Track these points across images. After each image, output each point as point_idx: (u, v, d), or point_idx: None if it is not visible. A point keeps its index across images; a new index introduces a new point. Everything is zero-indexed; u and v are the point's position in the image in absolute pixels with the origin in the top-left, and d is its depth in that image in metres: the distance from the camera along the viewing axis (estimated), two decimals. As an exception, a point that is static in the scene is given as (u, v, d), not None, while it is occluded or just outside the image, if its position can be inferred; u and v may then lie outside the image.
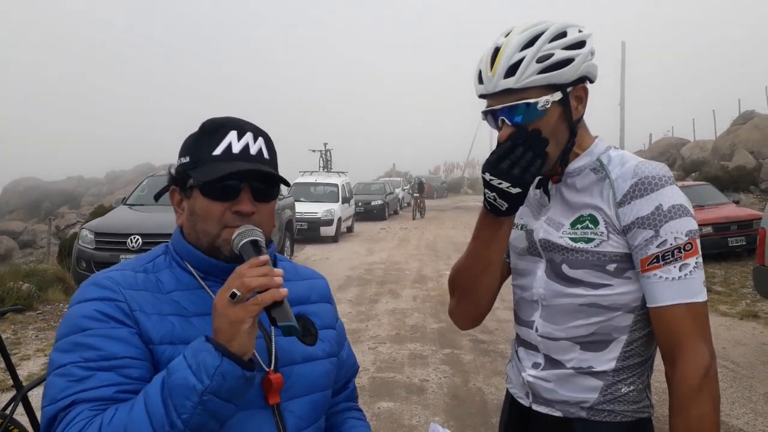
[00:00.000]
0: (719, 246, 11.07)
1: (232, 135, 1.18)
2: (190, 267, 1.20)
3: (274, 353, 1.18)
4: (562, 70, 1.30)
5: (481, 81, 1.35)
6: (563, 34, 1.33)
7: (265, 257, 1.06)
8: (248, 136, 1.19)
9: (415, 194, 26.95)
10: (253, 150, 1.19)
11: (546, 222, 1.42)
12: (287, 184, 1.25)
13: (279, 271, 1.04)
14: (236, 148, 1.17)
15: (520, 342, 1.51)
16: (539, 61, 1.29)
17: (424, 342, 6.59)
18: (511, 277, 1.57)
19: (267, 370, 1.15)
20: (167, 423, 0.96)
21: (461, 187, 51.54)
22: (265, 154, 1.21)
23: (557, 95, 1.31)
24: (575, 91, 1.35)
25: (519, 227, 1.50)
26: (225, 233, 1.15)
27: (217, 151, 1.17)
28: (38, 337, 6.96)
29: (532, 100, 1.30)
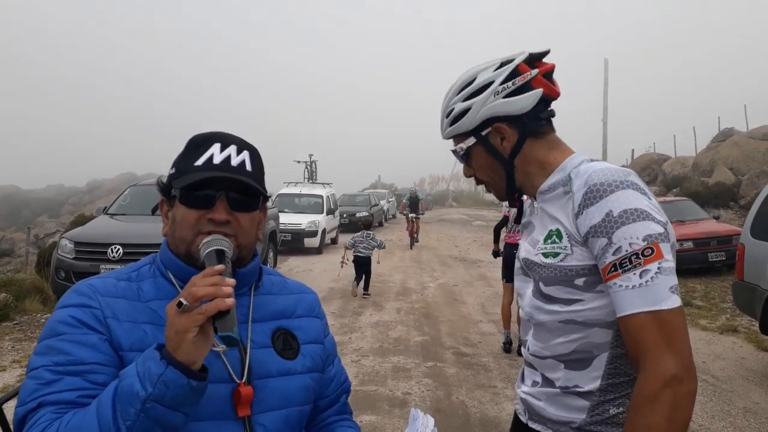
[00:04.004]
0: (699, 261, 11.20)
1: (215, 147, 1.21)
2: (171, 276, 1.21)
3: (247, 365, 1.18)
4: (461, 121, 1.45)
5: None
6: (470, 82, 1.44)
7: (219, 267, 1.06)
8: (231, 149, 1.22)
9: (410, 214, 18.72)
10: (234, 162, 1.21)
11: (529, 242, 1.46)
12: (264, 194, 1.25)
13: (231, 281, 1.03)
14: (217, 159, 1.20)
15: (525, 361, 1.55)
16: (447, 116, 1.48)
17: (407, 355, 6.57)
18: None
19: (238, 382, 1.15)
20: (113, 428, 0.96)
21: (446, 200, 51.66)
22: (248, 167, 1.23)
23: (470, 140, 1.46)
24: (494, 130, 1.43)
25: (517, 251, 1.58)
26: (199, 240, 1.16)
27: (199, 162, 1.19)
28: (14, 348, 6.82)
29: (454, 147, 1.51)
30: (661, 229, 1.24)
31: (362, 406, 4.98)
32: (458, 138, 1.48)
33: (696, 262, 11.15)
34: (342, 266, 10.39)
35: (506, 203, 1.69)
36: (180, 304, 0.99)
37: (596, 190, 1.27)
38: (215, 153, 1.20)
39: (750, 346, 6.86)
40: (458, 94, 1.45)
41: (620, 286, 1.22)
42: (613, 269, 1.23)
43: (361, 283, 10.24)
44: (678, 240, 11.11)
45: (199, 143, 1.22)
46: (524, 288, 1.48)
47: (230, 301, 1.00)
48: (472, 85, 1.43)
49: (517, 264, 1.53)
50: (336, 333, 7.45)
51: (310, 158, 29.58)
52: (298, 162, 29.36)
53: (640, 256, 1.21)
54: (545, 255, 1.36)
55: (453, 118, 1.46)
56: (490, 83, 1.41)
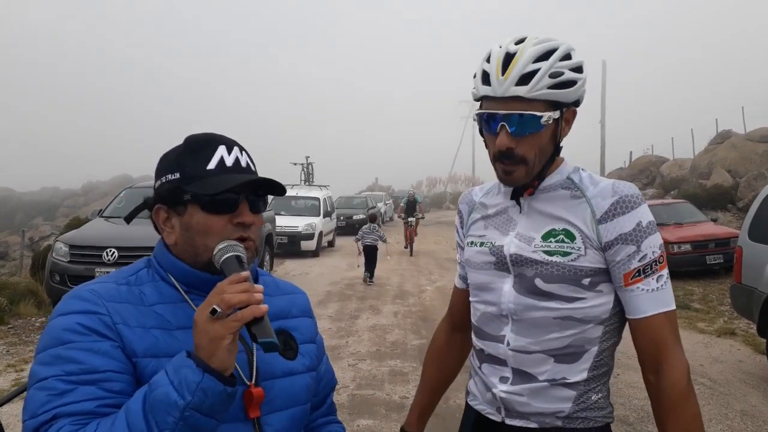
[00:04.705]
0: (697, 264, 11.21)
1: (222, 149, 1.20)
2: (173, 280, 1.19)
3: (255, 367, 1.18)
4: (567, 90, 1.34)
5: (487, 83, 1.35)
6: (569, 56, 1.36)
7: (246, 273, 1.06)
8: (236, 150, 1.22)
9: (407, 218, 17.97)
10: (243, 163, 1.22)
11: (516, 237, 1.44)
12: (284, 191, 1.25)
13: (260, 287, 1.04)
14: (229, 161, 1.20)
15: (484, 357, 1.51)
16: (552, 76, 1.32)
17: (404, 358, 6.54)
18: (470, 293, 1.57)
19: (248, 383, 1.16)
20: None
21: (443, 202, 51.73)
22: (252, 167, 1.24)
23: (557, 113, 1.35)
24: (567, 112, 1.39)
25: (478, 244, 1.51)
26: None
27: (211, 165, 1.18)
28: (9, 353, 6.78)
29: (538, 113, 1.32)
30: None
31: (359, 410, 4.96)
32: (544, 105, 1.32)
33: (694, 265, 11.16)
34: (360, 255, 11.92)
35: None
36: (213, 311, 0.98)
37: (628, 200, 1.35)
38: (224, 155, 1.19)
39: (748, 349, 6.85)
40: (564, 60, 1.34)
41: (642, 289, 1.34)
42: (637, 274, 1.34)
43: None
44: (676, 242, 11.30)
45: (200, 145, 1.20)
46: (497, 283, 1.46)
47: (264, 307, 1.01)
48: (573, 61, 1.36)
49: (484, 258, 1.48)
50: (333, 337, 7.43)
51: (307, 160, 29.56)
52: (295, 164, 29.33)
53: (657, 263, 1.35)
54: (549, 253, 1.38)
55: (561, 82, 1.32)
56: (582, 67, 1.38)
